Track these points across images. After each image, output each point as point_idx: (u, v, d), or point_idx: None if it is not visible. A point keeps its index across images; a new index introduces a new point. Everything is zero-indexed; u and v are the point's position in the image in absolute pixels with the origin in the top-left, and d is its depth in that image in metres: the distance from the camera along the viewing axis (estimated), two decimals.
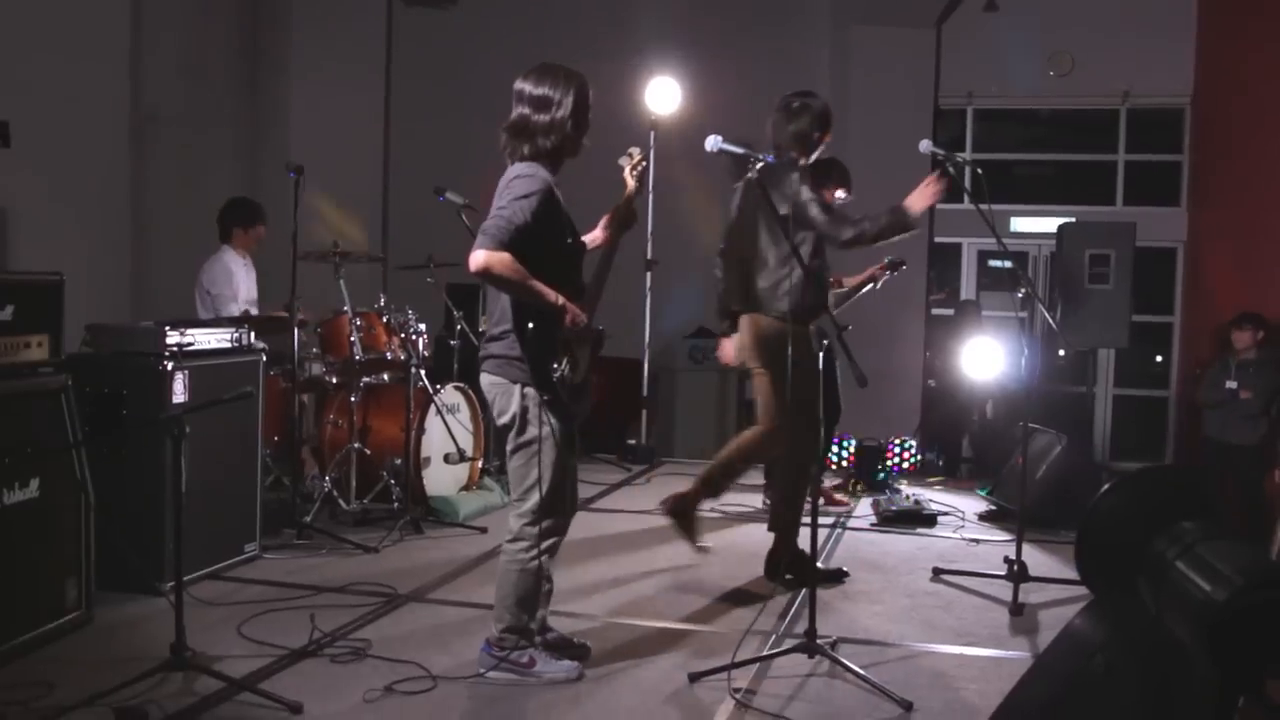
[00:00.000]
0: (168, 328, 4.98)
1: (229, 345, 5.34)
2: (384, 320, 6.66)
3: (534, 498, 3.90)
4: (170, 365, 4.87)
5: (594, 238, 4.22)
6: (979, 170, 5.14)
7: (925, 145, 5.29)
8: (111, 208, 7.99)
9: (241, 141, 9.59)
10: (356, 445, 6.47)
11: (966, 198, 5.26)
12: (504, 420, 3.92)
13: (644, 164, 4.23)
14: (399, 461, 6.47)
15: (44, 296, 4.40)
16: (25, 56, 7.07)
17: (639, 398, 9.31)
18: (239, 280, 6.86)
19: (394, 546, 5.94)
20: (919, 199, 5.02)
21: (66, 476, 4.41)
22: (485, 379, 3.96)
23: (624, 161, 4.21)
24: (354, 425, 6.49)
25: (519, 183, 3.78)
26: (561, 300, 3.80)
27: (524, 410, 3.85)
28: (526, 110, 3.88)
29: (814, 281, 5.12)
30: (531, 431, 3.85)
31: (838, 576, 5.51)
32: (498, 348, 3.90)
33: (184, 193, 8.35)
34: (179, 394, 4.90)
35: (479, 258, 3.65)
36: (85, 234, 7.56)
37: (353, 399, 6.50)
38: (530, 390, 3.83)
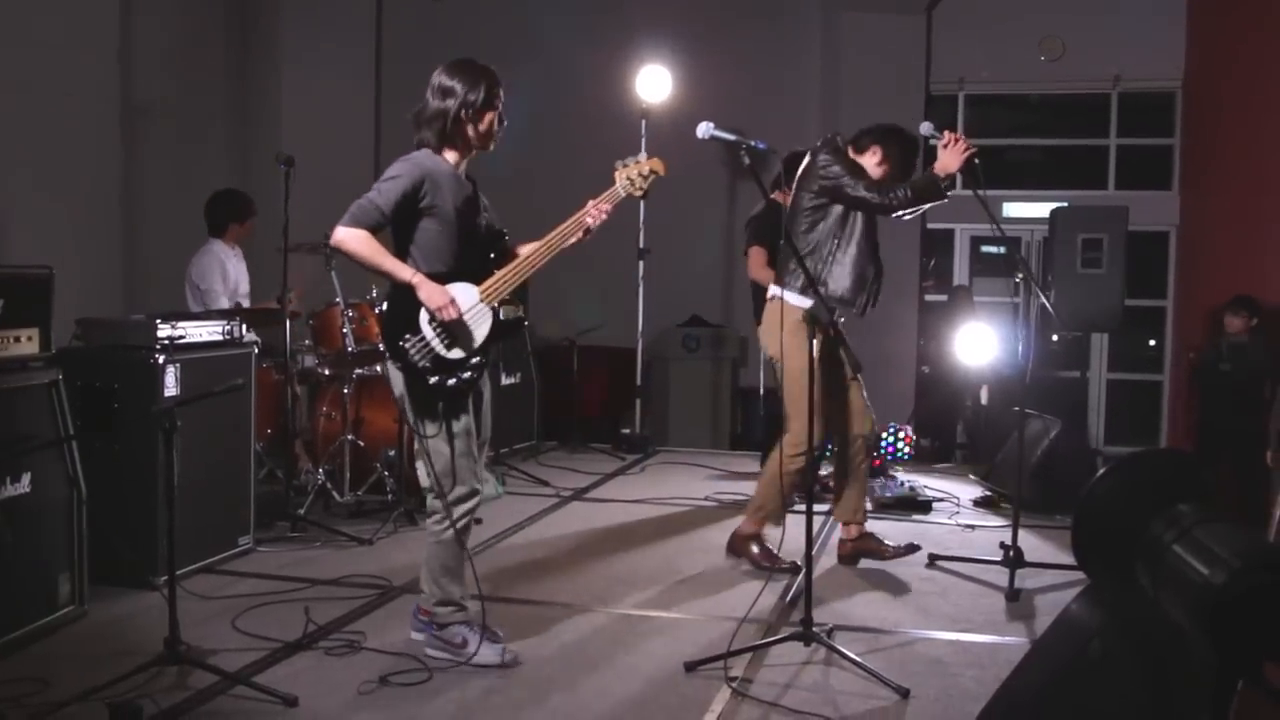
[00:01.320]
0: (159, 321, 4.97)
1: (221, 338, 5.32)
2: (376, 312, 6.63)
3: (427, 472, 4.01)
4: (162, 359, 4.86)
5: (524, 250, 4.15)
6: (976, 159, 5.12)
7: (926, 127, 5.29)
8: (102, 200, 7.96)
9: (232, 133, 9.55)
10: (350, 437, 6.45)
11: (961, 183, 5.25)
12: (396, 395, 4.06)
13: (638, 174, 4.13)
14: (392, 453, 6.45)
15: (33, 290, 4.37)
16: (14, 49, 7.04)
17: (633, 387, 9.29)
18: (230, 272, 6.82)
19: (388, 538, 5.93)
20: (950, 159, 5.05)
21: (58, 471, 4.40)
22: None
23: (619, 166, 4.15)
24: (347, 417, 6.47)
25: (396, 165, 3.98)
26: (416, 277, 3.87)
27: (396, 387, 4.01)
28: (432, 100, 4.01)
29: (832, 263, 5.18)
30: (409, 411, 3.99)
31: (910, 550, 5.58)
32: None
33: (175, 184, 8.31)
34: (170, 388, 4.88)
35: (336, 234, 3.87)
36: (76, 227, 7.53)
37: (345, 391, 6.48)
38: (396, 370, 3.96)
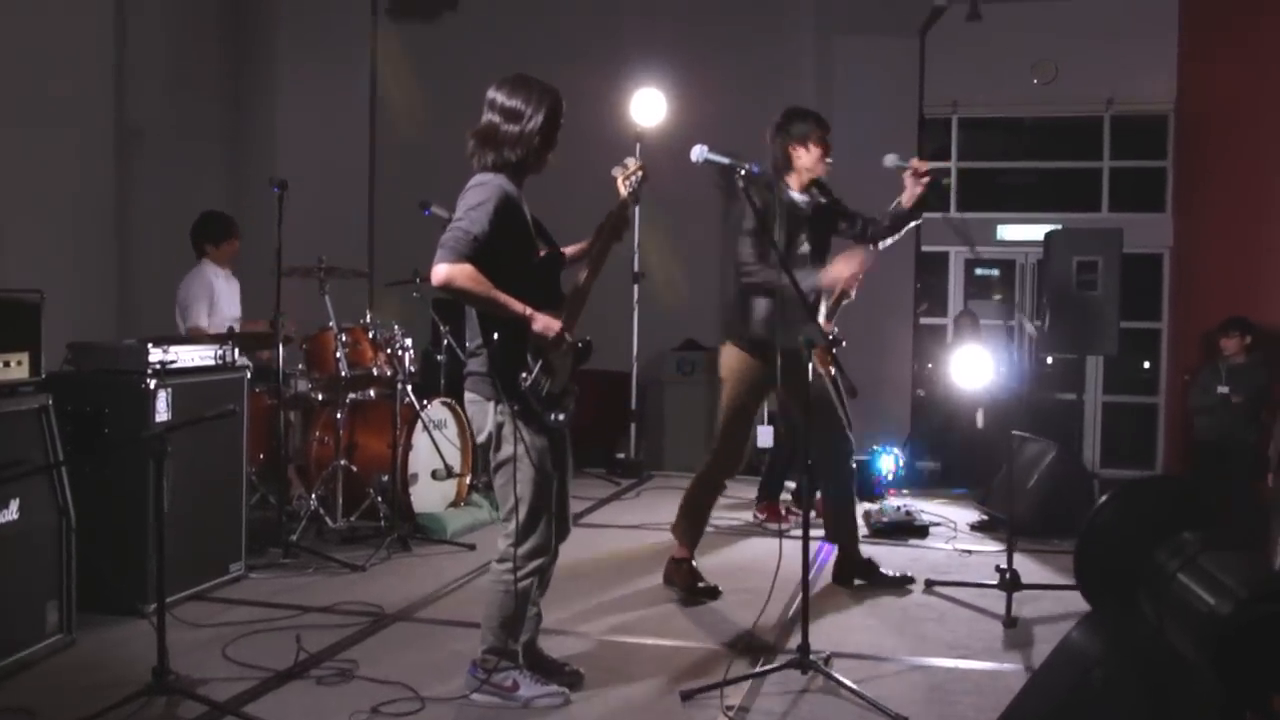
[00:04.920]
0: (151, 345, 4.93)
1: (213, 363, 5.28)
2: (370, 336, 6.61)
3: (516, 517, 3.81)
4: (153, 383, 4.82)
5: (581, 248, 4.16)
6: (944, 181, 5.14)
7: (891, 159, 5.33)
8: (95, 224, 7.93)
9: (227, 156, 9.53)
10: (343, 462, 6.41)
11: (956, 206, 5.24)
12: (482, 438, 3.87)
13: (639, 174, 4.11)
14: (386, 478, 6.41)
15: (23, 314, 4.34)
16: (9, 71, 7.02)
17: (627, 411, 9.26)
18: (219, 294, 6.79)
19: (381, 564, 5.88)
20: (830, 274, 5.23)
21: (47, 498, 4.35)
22: (466, 397, 3.91)
23: (617, 171, 4.11)
24: (340, 442, 6.43)
25: (472, 193, 3.73)
26: (529, 310, 3.72)
27: (499, 427, 3.78)
28: (496, 119, 3.81)
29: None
30: (506, 449, 3.78)
31: (904, 581, 5.62)
32: (473, 364, 3.86)
33: (169, 208, 8.27)
34: (162, 412, 4.85)
35: (440, 271, 3.60)
36: (69, 250, 7.49)
37: (338, 415, 6.44)
38: (504, 407, 3.75)
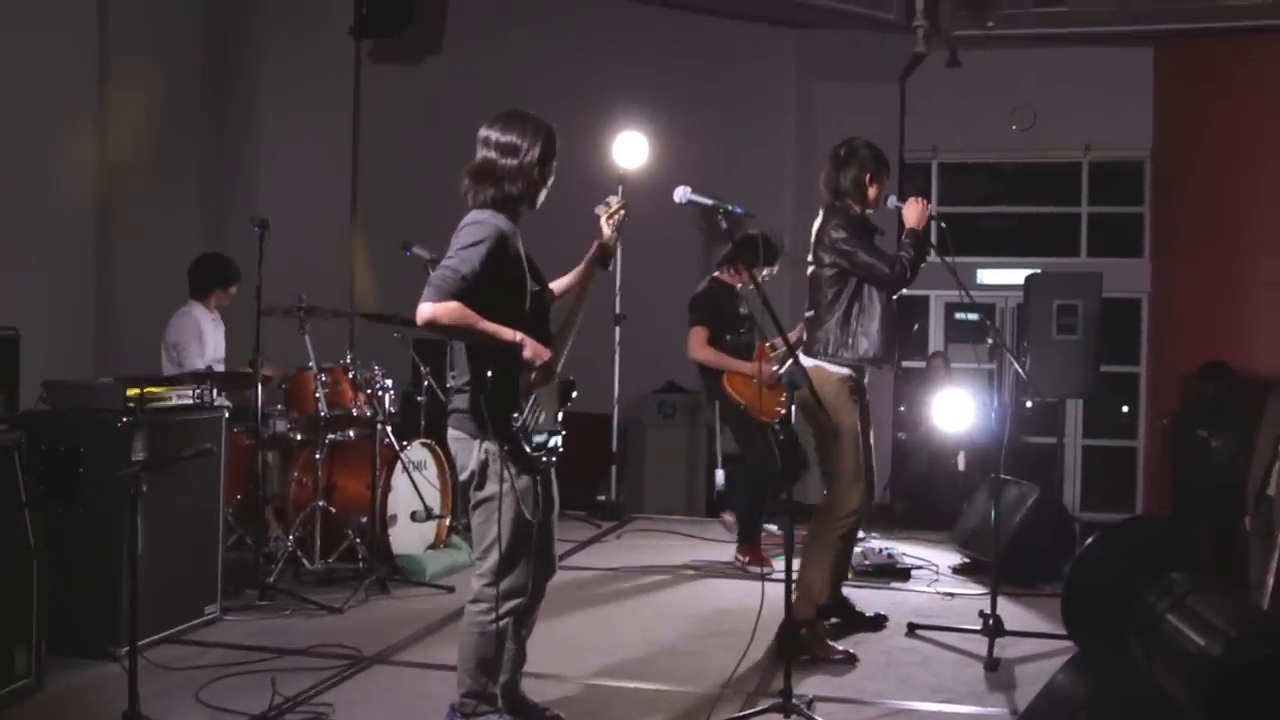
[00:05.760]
0: (127, 384, 4.88)
1: (191, 402, 5.23)
2: (350, 376, 6.57)
3: (493, 557, 3.74)
4: (129, 422, 4.76)
5: (562, 285, 4.15)
6: (943, 224, 5.19)
7: (892, 201, 5.35)
8: (75, 262, 7.89)
9: (209, 196, 9.51)
10: (321, 503, 6.35)
11: (933, 251, 5.28)
12: (464, 476, 3.81)
13: (622, 212, 4.13)
14: (365, 520, 6.35)
15: None
16: None
17: (608, 453, 9.22)
18: (207, 335, 6.75)
19: (359, 607, 5.81)
20: (914, 216, 5.17)
21: (16, 537, 4.28)
22: (449, 434, 3.86)
23: (600, 210, 4.12)
24: (318, 483, 6.37)
25: (467, 230, 3.70)
26: (520, 336, 3.70)
27: (483, 465, 3.73)
28: (493, 155, 3.79)
29: (859, 325, 5.16)
30: (490, 488, 3.73)
31: (878, 622, 5.59)
32: (459, 401, 3.80)
33: (150, 246, 8.25)
34: (138, 452, 4.78)
35: (424, 310, 3.58)
36: (48, 288, 7.44)
37: (317, 456, 6.38)
38: (490, 445, 3.71)
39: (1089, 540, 2.32)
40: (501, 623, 3.78)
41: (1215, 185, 10.01)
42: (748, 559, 6.94)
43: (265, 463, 6.48)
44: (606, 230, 4.10)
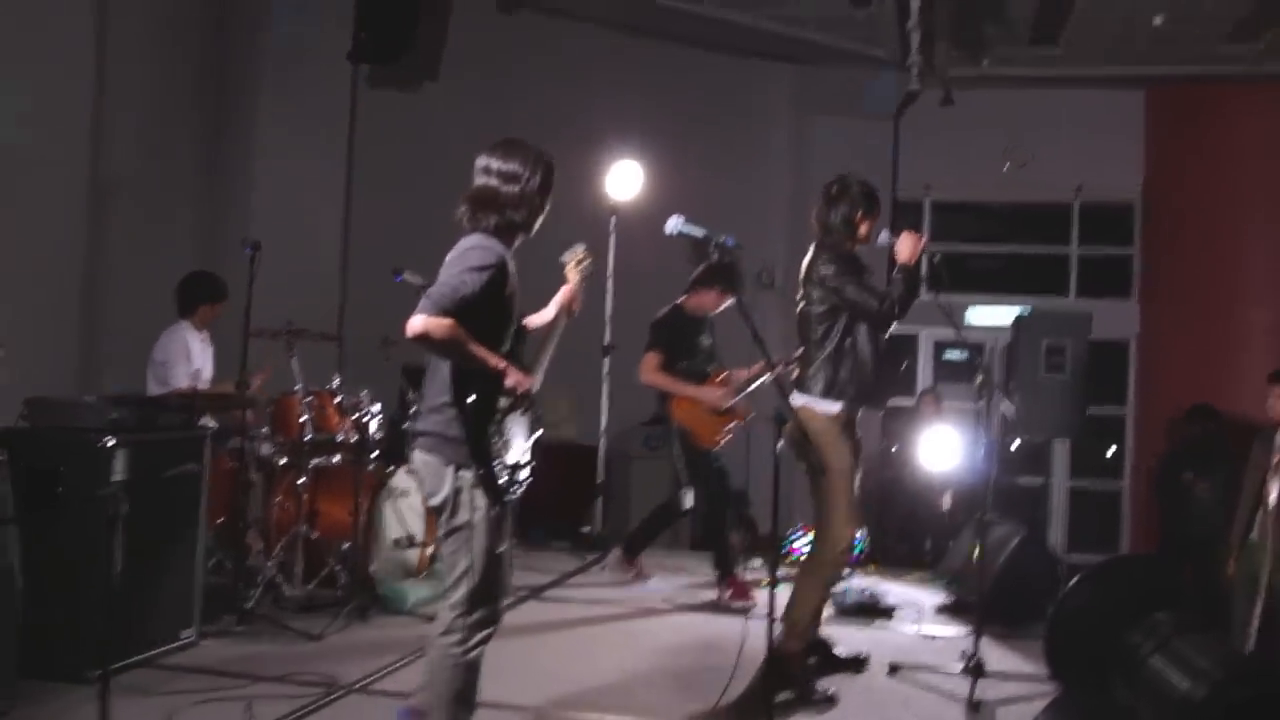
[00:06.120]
0: (110, 403, 4.84)
1: (174, 422, 5.19)
2: (337, 401, 6.53)
3: (465, 586, 3.70)
4: (111, 442, 4.72)
5: (533, 323, 4.15)
6: (935, 257, 5.19)
7: (884, 237, 5.34)
8: (65, 280, 7.84)
9: (201, 215, 9.47)
10: (303, 529, 6.30)
11: (925, 288, 5.29)
12: (435, 502, 3.75)
13: (588, 261, 4.16)
14: (347, 546, 6.30)
15: None
16: None
17: (594, 485, 9.18)
18: (195, 355, 6.72)
19: (338, 634, 5.75)
20: (907, 250, 5.14)
21: None
22: (418, 457, 3.79)
23: (567, 257, 4.15)
24: (301, 508, 6.32)
25: (474, 253, 3.68)
26: (504, 364, 3.69)
27: (456, 492, 3.68)
28: (494, 182, 3.80)
29: (850, 362, 5.14)
30: (463, 516, 3.68)
31: (857, 663, 5.54)
32: (432, 423, 3.75)
33: (141, 266, 8.20)
34: (119, 472, 4.74)
35: (417, 323, 3.53)
36: (36, 306, 7.38)
37: (301, 481, 6.34)
38: (465, 473, 3.67)
39: (1073, 580, 2.30)
40: (474, 653, 3.74)
41: (1204, 229, 10.08)
42: (733, 593, 6.91)
43: (249, 486, 6.44)
44: (574, 278, 4.14)
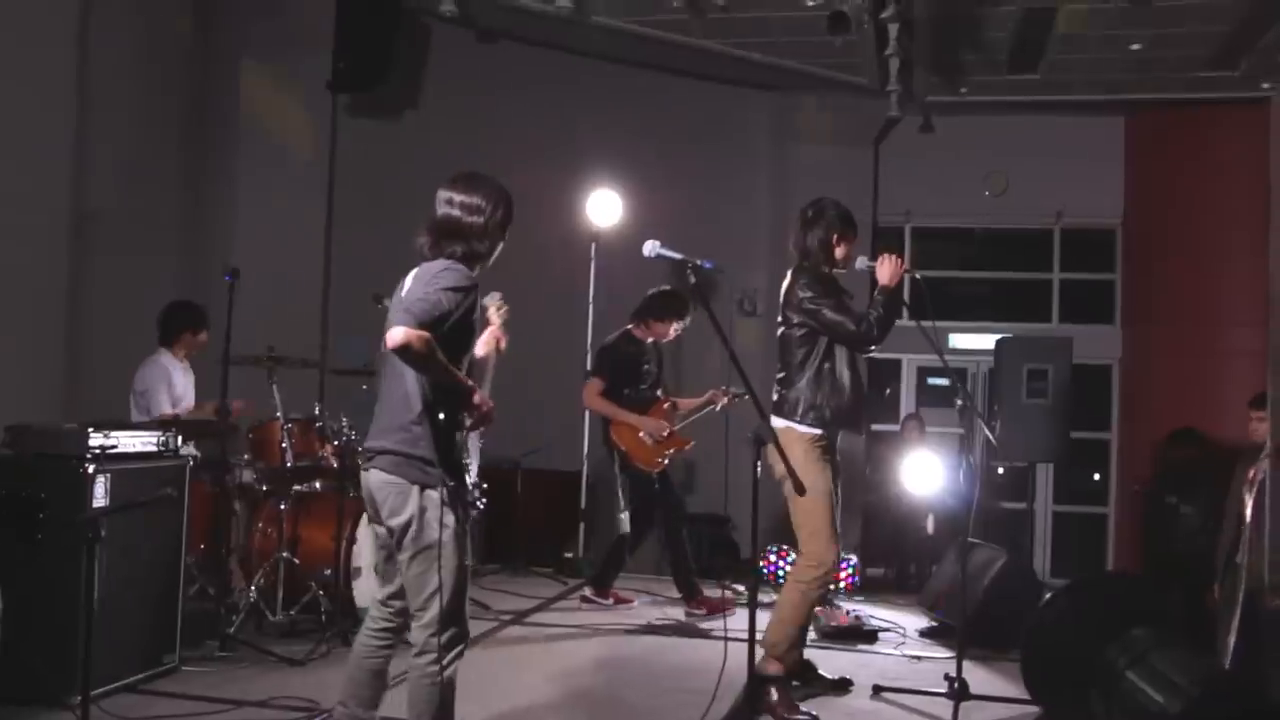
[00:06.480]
0: (91, 429, 4.84)
1: (155, 449, 5.19)
2: (317, 427, 6.53)
3: (435, 606, 3.71)
4: (92, 468, 4.72)
5: (480, 358, 4.20)
6: (918, 275, 5.24)
7: (862, 262, 5.38)
8: (47, 307, 7.81)
9: (184, 245, 9.45)
10: (285, 554, 6.28)
11: (908, 314, 5.32)
12: (397, 521, 3.75)
13: (505, 309, 4.29)
14: (329, 572, 6.28)
15: None
16: None
17: (577, 510, 9.17)
18: (176, 383, 6.71)
19: (321, 659, 5.73)
20: (887, 274, 5.19)
21: None
22: (377, 476, 3.79)
23: (488, 302, 4.23)
24: (283, 534, 6.30)
25: (450, 274, 3.74)
26: (471, 383, 3.78)
27: (422, 512, 3.70)
28: (457, 213, 3.89)
29: (829, 386, 5.18)
30: (431, 535, 3.69)
31: (842, 685, 5.55)
32: (395, 442, 3.76)
33: (123, 294, 8.18)
34: (100, 498, 4.74)
35: (398, 334, 3.55)
36: (18, 334, 7.35)
37: (282, 507, 6.32)
38: (430, 492, 3.69)
39: (1048, 595, 2.31)
40: (450, 669, 3.76)
41: (1186, 253, 10.15)
42: (703, 610, 6.98)
43: (231, 512, 6.42)
44: (496, 320, 4.26)
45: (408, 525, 3.71)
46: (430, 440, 3.70)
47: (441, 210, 3.91)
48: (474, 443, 3.94)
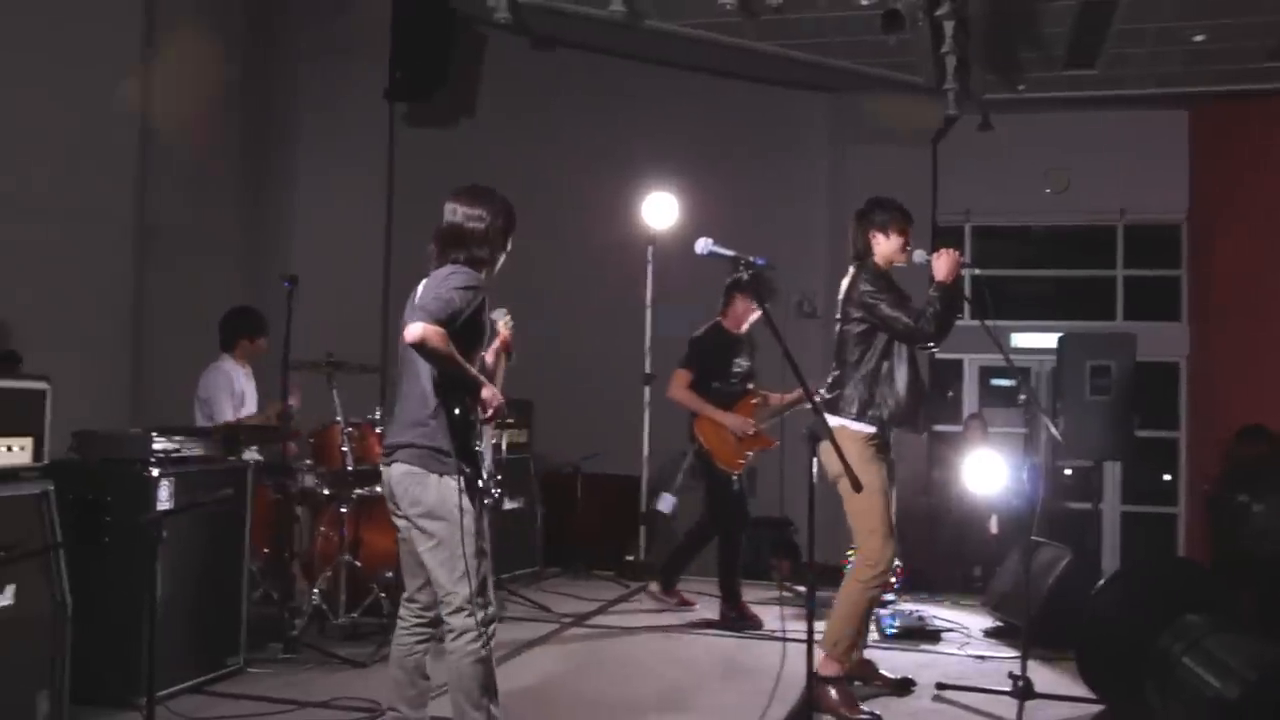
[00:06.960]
0: (155, 435, 4.93)
1: (218, 453, 5.27)
2: (378, 431, 6.59)
3: (464, 589, 3.85)
4: (156, 473, 4.81)
5: (489, 366, 4.33)
6: (976, 271, 5.16)
7: (919, 255, 5.33)
8: (113, 318, 7.99)
9: (245, 253, 9.62)
10: (347, 558, 6.35)
11: (969, 313, 5.27)
12: (417, 510, 3.91)
13: (512, 322, 4.42)
14: (390, 574, 6.33)
15: (29, 401, 4.35)
16: (34, 169, 7.15)
17: (637, 514, 9.17)
18: (238, 389, 6.82)
19: (383, 661, 5.74)
20: (942, 267, 5.13)
21: (43, 585, 4.31)
22: (399, 469, 3.95)
23: (496, 315, 4.32)
24: (345, 537, 6.37)
25: (458, 276, 3.96)
26: (483, 379, 3.95)
27: (442, 501, 3.85)
28: (459, 221, 4.11)
29: (886, 385, 5.15)
30: (452, 520, 3.85)
31: (905, 685, 5.50)
32: (414, 436, 3.93)
33: (186, 303, 8.34)
34: (164, 502, 4.83)
35: (416, 329, 3.74)
36: (86, 343, 7.52)
37: (343, 510, 6.39)
38: (449, 480, 3.84)
39: (1100, 583, 2.28)
40: (488, 646, 3.90)
41: (1253, 248, 9.97)
42: (737, 614, 6.90)
43: (294, 517, 6.50)
44: (504, 330, 4.38)
45: (427, 513, 3.88)
46: (446, 432, 3.86)
47: (447, 220, 4.14)
48: (488, 437, 4.02)
